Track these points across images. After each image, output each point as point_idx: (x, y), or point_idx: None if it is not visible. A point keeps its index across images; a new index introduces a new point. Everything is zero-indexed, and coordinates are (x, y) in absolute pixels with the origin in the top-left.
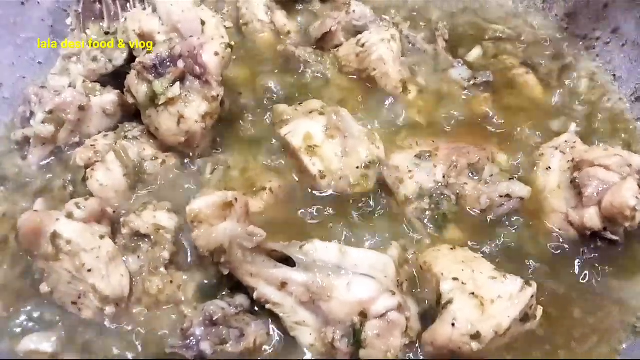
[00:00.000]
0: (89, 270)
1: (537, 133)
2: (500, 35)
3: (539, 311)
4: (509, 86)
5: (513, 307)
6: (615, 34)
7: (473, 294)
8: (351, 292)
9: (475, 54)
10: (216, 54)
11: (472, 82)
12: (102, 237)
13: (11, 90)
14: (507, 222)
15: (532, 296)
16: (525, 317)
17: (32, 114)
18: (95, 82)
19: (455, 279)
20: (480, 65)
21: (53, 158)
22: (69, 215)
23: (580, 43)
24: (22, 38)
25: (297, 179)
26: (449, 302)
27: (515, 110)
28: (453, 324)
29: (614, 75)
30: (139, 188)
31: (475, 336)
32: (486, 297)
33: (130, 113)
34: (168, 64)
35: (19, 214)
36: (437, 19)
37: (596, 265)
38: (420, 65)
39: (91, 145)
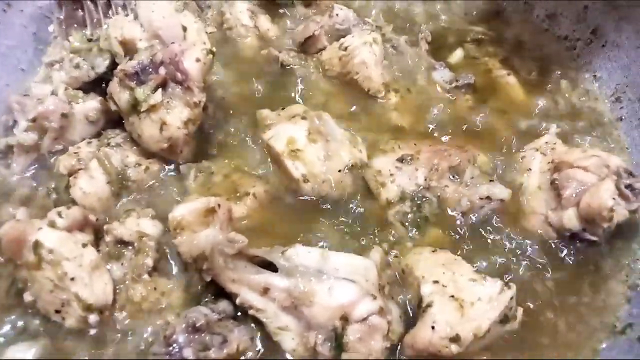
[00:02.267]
0: (72, 279)
1: (518, 134)
2: (482, 36)
3: (519, 312)
4: (491, 88)
5: (492, 310)
6: (595, 35)
7: (453, 296)
8: (332, 296)
9: (457, 56)
10: (197, 60)
11: (454, 85)
12: (84, 245)
13: None
14: (487, 224)
15: (512, 298)
16: (504, 319)
17: (15, 122)
18: (77, 89)
19: (435, 281)
20: (462, 67)
21: (37, 166)
22: (51, 224)
23: (561, 44)
24: (5, 45)
25: (280, 184)
26: (429, 305)
27: (497, 111)
28: (433, 327)
29: (595, 75)
30: (122, 195)
31: (455, 339)
32: (466, 299)
33: (114, 120)
34: (150, 70)
35: (3, 223)
36: (420, 22)
37: (575, 265)
38: (402, 68)
39: (74, 153)
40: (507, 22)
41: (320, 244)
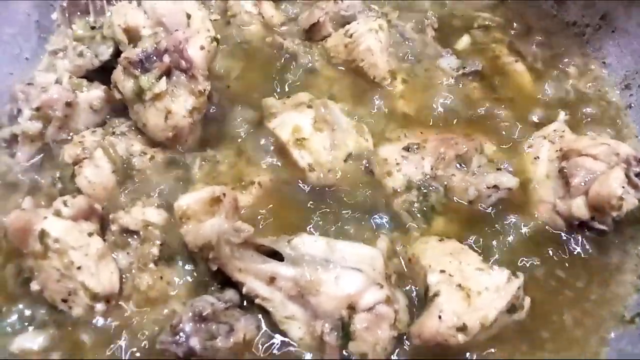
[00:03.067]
0: (78, 268)
1: (526, 122)
2: (489, 23)
3: (527, 302)
4: (498, 75)
5: (499, 299)
6: (604, 21)
7: (460, 285)
8: (339, 285)
9: (463, 42)
10: (202, 47)
11: (461, 72)
12: (90, 234)
13: None
14: (495, 213)
15: (519, 287)
16: (512, 308)
17: (19, 111)
18: (81, 77)
19: (442, 271)
20: (469, 54)
21: (42, 155)
22: (57, 213)
23: (570, 30)
24: (7, 34)
25: (285, 173)
26: (436, 294)
27: (504, 99)
28: (440, 317)
29: (604, 62)
30: (127, 184)
31: (462, 328)
32: (473, 289)
33: (118, 108)
34: (154, 58)
35: (9, 212)
36: (426, 8)
37: (584, 255)
38: (408, 55)
39: (79, 142)
40: (515, 8)
41: (326, 232)
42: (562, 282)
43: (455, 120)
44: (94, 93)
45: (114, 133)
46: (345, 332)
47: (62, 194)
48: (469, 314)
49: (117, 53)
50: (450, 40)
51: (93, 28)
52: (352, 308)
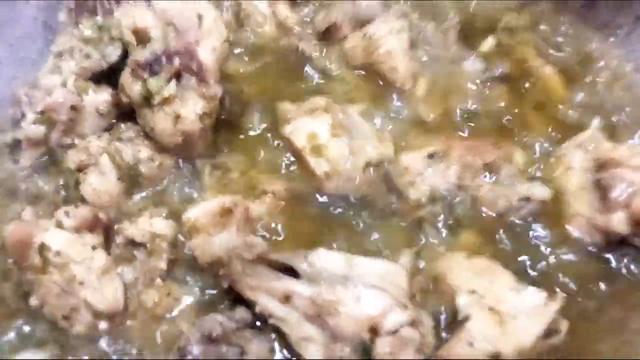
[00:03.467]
0: (80, 283)
1: (557, 129)
2: (515, 24)
3: (564, 325)
4: (526, 78)
5: (536, 324)
6: (638, 23)
7: (492, 309)
8: (360, 306)
9: (488, 44)
10: (213, 49)
11: (486, 75)
12: (94, 247)
13: (1, 91)
14: (526, 227)
15: (557, 310)
16: (549, 333)
17: (22, 115)
18: (88, 80)
19: (472, 291)
20: (494, 56)
21: (45, 161)
22: (58, 225)
23: (601, 32)
24: (13, 35)
25: (301, 182)
26: (466, 318)
27: (533, 104)
28: (471, 343)
29: (638, 65)
30: (134, 192)
31: (495, 356)
32: (506, 312)
33: (126, 112)
34: (163, 61)
35: (9, 221)
36: (448, 8)
37: (624, 274)
38: (431, 58)
39: (84, 148)
40: (542, 8)
41: (345, 247)
42: (601, 304)
43: (482, 127)
44: (101, 96)
45: (120, 138)
46: (366, 356)
47: (66, 202)
48: (503, 341)
49: (125, 55)
50: (475, 42)
51: (101, 29)
52: (374, 331)
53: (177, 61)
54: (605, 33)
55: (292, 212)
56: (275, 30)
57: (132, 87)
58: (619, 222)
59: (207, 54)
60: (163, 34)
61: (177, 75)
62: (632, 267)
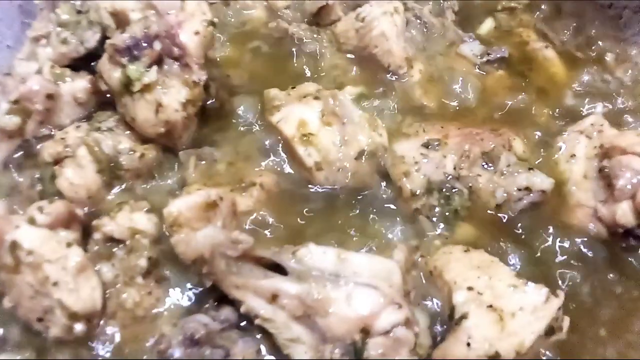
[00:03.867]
0: (55, 284)
1: (559, 115)
2: (515, 5)
3: (566, 322)
4: (526, 62)
5: (537, 322)
6: None
7: (491, 306)
8: (351, 305)
9: (487, 26)
10: (196, 33)
11: (485, 59)
12: (69, 244)
13: None
14: (527, 219)
15: (559, 308)
16: (550, 330)
17: None
18: (65, 66)
19: (470, 288)
20: (493, 39)
21: (21, 153)
22: (31, 221)
23: (605, 12)
24: None
25: (290, 172)
26: (464, 316)
27: (534, 89)
28: (468, 343)
29: None
30: (114, 186)
31: (494, 357)
32: (506, 310)
33: (106, 101)
34: (143, 45)
35: None
36: None
37: (629, 266)
38: (427, 41)
39: (61, 139)
40: None
41: (336, 241)
42: (604, 298)
43: (480, 113)
44: (78, 84)
45: (99, 128)
46: (358, 358)
47: (42, 196)
48: (502, 340)
49: (105, 39)
50: (473, 24)
51: (79, 12)
52: (366, 331)
53: (158, 45)
54: (609, 13)
55: (281, 205)
56: (264, 12)
57: (110, 73)
58: (624, 213)
59: (189, 37)
60: (143, 17)
61: (159, 61)
62: (636, 257)
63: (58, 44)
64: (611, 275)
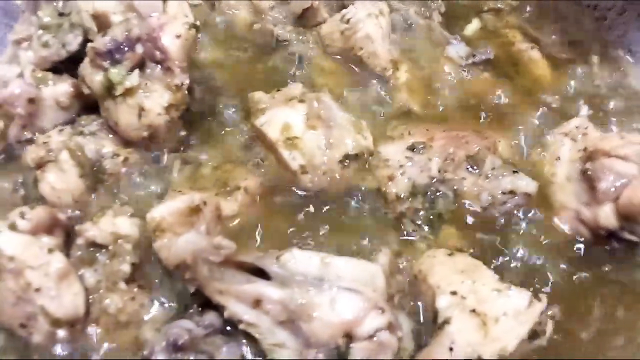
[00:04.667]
0: (37, 290)
1: (544, 117)
2: (501, 6)
3: (549, 326)
4: (512, 64)
5: (520, 326)
6: (629, 3)
7: (474, 311)
8: (335, 310)
9: (473, 28)
10: (178, 36)
11: (470, 61)
12: (51, 250)
13: None
14: (511, 222)
15: (542, 312)
16: (533, 335)
17: None
18: (47, 70)
19: (453, 292)
20: (479, 40)
21: (3, 157)
22: (12, 227)
23: (590, 14)
24: None
25: (275, 176)
26: (446, 321)
27: (519, 91)
28: (451, 348)
29: (630, 49)
30: (97, 190)
31: None
32: (489, 314)
33: (89, 105)
34: (125, 48)
35: None
36: None
37: (612, 269)
38: (412, 43)
39: (43, 143)
40: None
41: (321, 246)
42: (588, 301)
43: (465, 116)
44: (61, 88)
45: (82, 132)
46: None
47: (26, 201)
48: (485, 345)
49: (87, 42)
50: (459, 26)
51: (61, 15)
52: (349, 336)
53: (139, 49)
54: (595, 15)
55: (265, 209)
56: (249, 14)
57: (92, 77)
58: (606, 216)
59: (171, 40)
60: (125, 19)
61: (141, 64)
62: (618, 260)
63: (39, 47)
64: (594, 276)
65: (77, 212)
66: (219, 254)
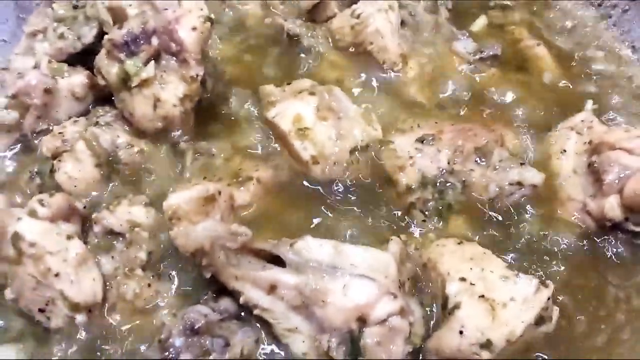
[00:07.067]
0: (56, 275)
1: (550, 111)
2: (508, 2)
3: (555, 312)
4: (519, 60)
5: (527, 312)
6: (633, 1)
7: (483, 296)
8: (348, 296)
9: (480, 24)
10: (194, 28)
11: (478, 56)
12: (69, 237)
13: None
14: (518, 213)
15: (549, 298)
16: (540, 320)
17: None
18: (62, 61)
19: (462, 279)
20: (486, 36)
21: (19, 147)
22: (32, 214)
23: (595, 11)
24: None
25: (287, 167)
26: (456, 306)
27: (526, 86)
28: (461, 332)
29: (633, 46)
30: (113, 180)
31: (486, 345)
32: (497, 300)
33: (103, 96)
34: (141, 41)
35: None
36: None
37: (617, 259)
38: (421, 38)
39: (59, 133)
40: None
41: (333, 234)
42: (593, 289)
43: (473, 109)
44: (76, 79)
45: (97, 123)
46: (354, 347)
47: (41, 190)
48: (493, 329)
49: (102, 35)
50: (466, 22)
51: (75, 7)
52: (362, 321)
53: (155, 41)
54: (600, 12)
55: (277, 199)
56: (260, 8)
57: (108, 69)
58: (612, 207)
59: (187, 33)
60: (140, 12)
61: (156, 56)
62: (623, 250)
63: (55, 39)
64: (599, 267)
65: (94, 201)
66: (236, 241)
